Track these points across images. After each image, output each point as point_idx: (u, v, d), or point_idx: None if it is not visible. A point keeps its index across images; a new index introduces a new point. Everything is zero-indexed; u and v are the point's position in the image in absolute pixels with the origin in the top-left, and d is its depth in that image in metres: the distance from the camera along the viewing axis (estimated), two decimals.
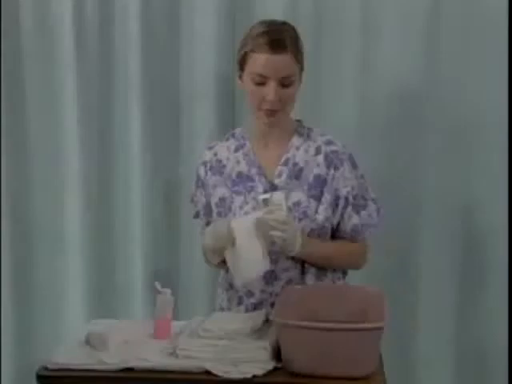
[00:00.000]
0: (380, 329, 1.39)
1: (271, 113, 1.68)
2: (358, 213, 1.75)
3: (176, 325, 1.63)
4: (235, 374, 1.40)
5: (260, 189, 1.74)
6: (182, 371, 1.42)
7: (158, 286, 1.66)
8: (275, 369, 1.43)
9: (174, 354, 1.47)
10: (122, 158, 2.34)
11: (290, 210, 1.68)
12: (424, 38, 2.15)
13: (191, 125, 2.30)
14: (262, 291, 1.75)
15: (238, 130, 1.85)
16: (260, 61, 1.64)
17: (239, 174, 1.77)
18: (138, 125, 2.29)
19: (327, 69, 2.21)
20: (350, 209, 1.74)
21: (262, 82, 1.65)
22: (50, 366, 1.44)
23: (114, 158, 2.35)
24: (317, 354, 1.38)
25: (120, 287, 2.39)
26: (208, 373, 1.40)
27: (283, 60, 1.63)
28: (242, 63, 1.69)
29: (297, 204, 1.72)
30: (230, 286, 1.81)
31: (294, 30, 1.71)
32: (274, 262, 1.69)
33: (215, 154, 1.82)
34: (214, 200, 1.80)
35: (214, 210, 1.80)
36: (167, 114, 2.32)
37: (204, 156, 1.85)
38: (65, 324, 2.38)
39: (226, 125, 2.23)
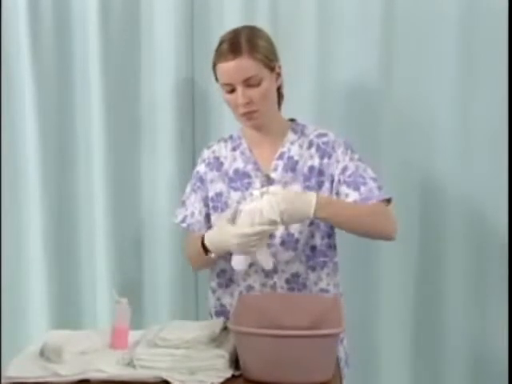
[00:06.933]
0: (336, 335, 1.39)
1: (249, 115, 1.71)
2: (357, 189, 1.71)
3: (133, 334, 1.62)
4: (192, 383, 1.39)
5: (257, 184, 1.76)
6: (139, 381, 1.40)
7: (114, 294, 1.64)
8: (233, 377, 1.42)
9: (131, 364, 1.46)
10: (84, 175, 2.35)
11: None
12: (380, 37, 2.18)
13: (152, 136, 2.33)
14: (263, 285, 1.76)
15: (235, 133, 1.87)
16: (222, 70, 1.69)
17: (236, 171, 1.80)
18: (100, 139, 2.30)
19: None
20: (344, 187, 1.73)
21: (231, 89, 1.69)
22: (1, 381, 1.41)
23: (77, 172, 2.35)
24: (274, 362, 1.37)
25: (84, 295, 2.38)
26: (165, 382, 1.39)
27: (240, 63, 1.66)
28: (215, 77, 1.75)
29: None
30: (229, 282, 1.81)
31: (252, 30, 1.73)
32: (272, 254, 1.70)
33: (213, 152, 1.86)
34: (210, 194, 1.82)
35: (210, 204, 1.82)
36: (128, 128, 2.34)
37: (203, 154, 1.88)
38: (28, 335, 2.35)
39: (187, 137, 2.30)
